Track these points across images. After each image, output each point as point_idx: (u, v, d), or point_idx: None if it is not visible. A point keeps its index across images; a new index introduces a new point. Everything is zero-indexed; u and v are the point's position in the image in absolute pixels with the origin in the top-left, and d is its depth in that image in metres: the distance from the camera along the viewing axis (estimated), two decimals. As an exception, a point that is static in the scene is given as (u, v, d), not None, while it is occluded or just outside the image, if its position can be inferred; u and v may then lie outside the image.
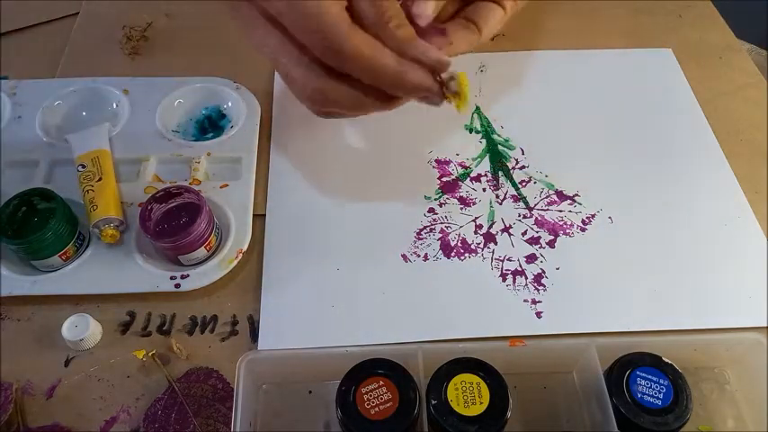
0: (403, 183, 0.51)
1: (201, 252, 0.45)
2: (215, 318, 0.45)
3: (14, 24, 0.63)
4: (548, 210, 0.50)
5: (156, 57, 0.60)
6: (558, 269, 0.46)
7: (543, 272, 0.46)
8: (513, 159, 0.53)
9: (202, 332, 0.44)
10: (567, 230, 0.49)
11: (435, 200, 0.50)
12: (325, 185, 0.51)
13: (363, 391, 0.36)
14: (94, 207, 0.46)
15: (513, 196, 0.51)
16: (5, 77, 0.58)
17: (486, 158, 0.53)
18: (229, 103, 0.56)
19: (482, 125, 0.55)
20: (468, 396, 0.36)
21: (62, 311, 0.44)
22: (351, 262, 0.47)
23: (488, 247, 0.48)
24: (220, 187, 0.50)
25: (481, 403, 0.36)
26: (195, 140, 0.54)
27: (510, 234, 0.49)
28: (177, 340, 0.43)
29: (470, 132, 0.55)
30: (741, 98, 0.58)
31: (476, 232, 0.49)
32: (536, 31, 0.63)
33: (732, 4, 0.67)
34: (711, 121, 0.55)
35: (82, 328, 0.42)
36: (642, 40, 0.62)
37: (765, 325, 0.44)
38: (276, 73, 0.59)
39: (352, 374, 0.37)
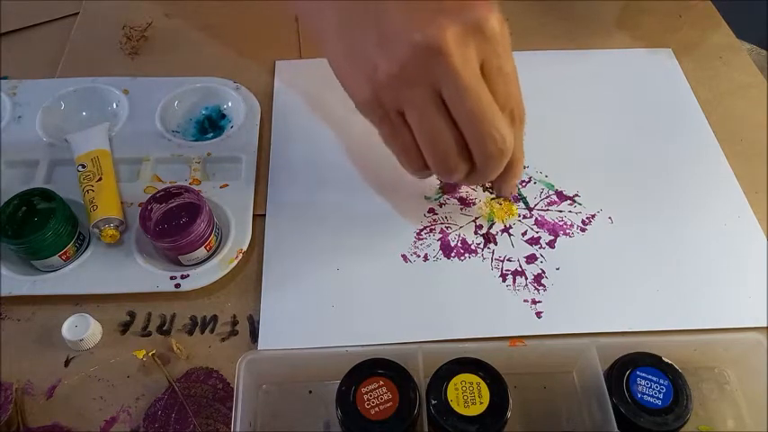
0: (403, 183, 0.51)
1: (201, 252, 0.45)
2: (215, 318, 0.45)
3: (14, 24, 0.63)
4: (548, 210, 0.50)
5: (156, 57, 0.60)
6: (557, 269, 0.46)
7: (543, 272, 0.46)
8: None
9: (202, 332, 0.44)
10: (567, 231, 0.49)
11: (435, 200, 0.50)
12: (325, 185, 0.51)
13: (363, 391, 0.36)
14: (94, 207, 0.46)
15: (513, 197, 0.51)
16: (5, 77, 0.58)
17: (487, 158, 0.53)
18: (229, 103, 0.56)
19: (482, 125, 0.55)
20: (468, 396, 0.36)
21: (62, 311, 0.44)
22: (351, 262, 0.47)
23: (488, 248, 0.48)
24: (220, 187, 0.50)
25: (481, 403, 0.36)
26: (195, 140, 0.54)
27: (510, 234, 0.49)
28: (177, 340, 0.43)
29: (470, 132, 0.55)
30: (741, 98, 0.58)
31: (476, 232, 0.49)
32: (536, 31, 0.63)
33: (732, 4, 0.67)
34: (711, 121, 0.55)
35: (82, 328, 0.42)
36: (642, 40, 0.62)
37: (765, 325, 0.44)
38: (276, 73, 0.59)
39: (352, 374, 0.37)
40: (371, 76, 0.39)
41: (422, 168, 0.42)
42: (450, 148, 0.40)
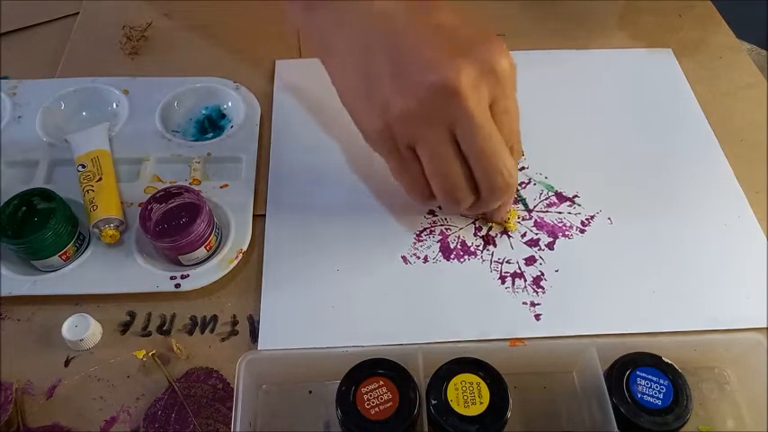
0: (403, 183, 0.51)
1: (201, 252, 0.45)
2: (215, 318, 0.45)
3: (14, 24, 0.63)
4: (547, 211, 0.50)
5: (156, 57, 0.60)
6: (557, 271, 0.46)
7: (542, 274, 0.46)
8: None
9: (202, 332, 0.44)
10: (567, 232, 0.49)
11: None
12: (325, 186, 0.51)
13: (363, 391, 0.36)
14: (94, 207, 0.46)
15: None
16: (5, 77, 0.58)
17: (487, 159, 0.53)
18: (229, 103, 0.56)
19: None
20: (468, 396, 0.36)
21: (62, 311, 0.44)
22: (351, 263, 0.47)
23: (488, 250, 0.48)
24: (220, 187, 0.50)
25: (481, 403, 0.36)
26: (195, 140, 0.54)
27: (509, 236, 0.49)
28: (177, 340, 0.43)
29: (470, 132, 0.55)
30: (741, 98, 0.58)
31: (475, 234, 0.49)
32: (536, 31, 0.63)
33: (732, 4, 0.67)
34: (711, 121, 0.55)
35: (82, 328, 0.42)
36: (642, 40, 0.62)
37: (765, 325, 0.44)
38: (276, 73, 0.59)
39: (352, 374, 0.37)
40: (384, 110, 0.40)
41: (428, 198, 0.43)
42: (459, 183, 0.41)
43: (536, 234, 0.49)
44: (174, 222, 0.45)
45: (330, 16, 0.42)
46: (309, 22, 0.44)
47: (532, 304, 0.45)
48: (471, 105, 0.38)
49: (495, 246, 0.48)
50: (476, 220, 0.49)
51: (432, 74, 0.38)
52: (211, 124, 0.56)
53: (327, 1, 0.42)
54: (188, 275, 0.45)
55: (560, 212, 0.50)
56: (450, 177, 0.41)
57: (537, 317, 0.44)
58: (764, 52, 0.66)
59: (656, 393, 0.37)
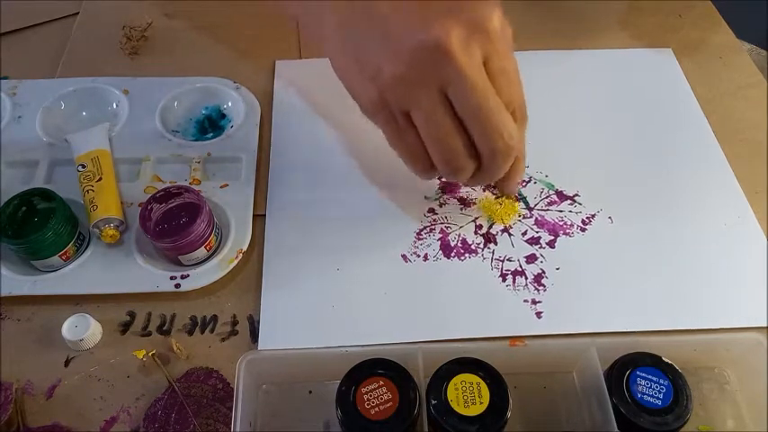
0: (403, 183, 0.51)
1: (201, 252, 0.45)
2: (215, 318, 0.45)
3: (14, 24, 0.63)
4: (548, 210, 0.50)
5: (156, 57, 0.60)
6: (557, 269, 0.46)
7: (543, 272, 0.46)
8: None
9: (202, 332, 0.44)
10: (567, 230, 0.49)
11: (435, 200, 0.50)
12: (325, 185, 0.51)
13: (363, 391, 0.36)
14: (94, 207, 0.46)
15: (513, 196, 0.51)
16: (5, 77, 0.58)
17: (487, 159, 0.53)
18: (229, 103, 0.56)
19: (482, 125, 0.55)
20: (468, 396, 0.36)
21: (62, 311, 0.44)
22: (351, 262, 0.47)
23: (488, 248, 0.48)
24: (220, 187, 0.50)
25: (481, 403, 0.36)
26: (195, 140, 0.54)
27: (510, 234, 0.49)
28: (177, 340, 0.43)
29: (470, 132, 0.55)
30: (741, 98, 0.58)
31: (476, 232, 0.49)
32: (536, 31, 0.63)
33: (732, 4, 0.67)
34: (711, 121, 0.55)
35: (82, 328, 0.42)
36: (642, 40, 0.62)
37: (765, 325, 0.44)
38: (276, 73, 0.59)
39: (352, 374, 0.37)
40: (376, 77, 0.39)
41: (428, 169, 0.42)
42: (457, 147, 0.40)
43: (537, 232, 0.49)
44: (174, 222, 0.45)
45: None
46: (305, 9, 0.44)
47: (533, 302, 0.45)
48: (462, 63, 0.37)
49: (495, 244, 0.48)
50: (476, 218, 0.49)
51: (419, 34, 0.37)
52: (211, 124, 0.56)
53: None
54: (188, 275, 0.45)
55: (561, 211, 0.50)
56: (447, 142, 0.40)
57: (538, 315, 0.44)
58: (764, 52, 0.66)
59: (656, 393, 0.37)
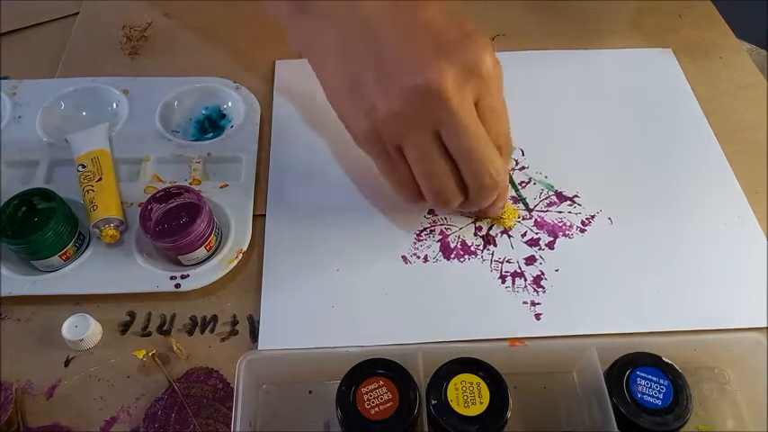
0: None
1: (201, 252, 0.45)
2: (215, 318, 0.45)
3: (14, 24, 0.63)
4: (547, 211, 0.50)
5: (156, 57, 0.60)
6: (557, 271, 0.46)
7: (542, 273, 0.46)
8: (512, 160, 0.53)
9: (202, 332, 0.44)
10: (567, 232, 0.49)
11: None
12: (325, 186, 0.51)
13: (363, 391, 0.36)
14: (94, 207, 0.46)
15: (512, 198, 0.51)
16: (5, 77, 0.58)
17: (487, 159, 0.53)
18: (229, 103, 0.56)
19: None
20: (468, 396, 0.36)
21: (62, 311, 0.44)
22: (351, 263, 0.47)
23: (488, 249, 0.48)
24: (220, 187, 0.50)
25: (481, 403, 0.36)
26: (195, 140, 0.54)
27: (509, 236, 0.49)
28: (177, 340, 0.43)
29: (470, 132, 0.55)
30: (741, 98, 0.58)
31: (475, 234, 0.49)
32: (536, 31, 0.63)
33: (732, 4, 0.67)
34: (711, 121, 0.55)
35: (82, 328, 0.42)
36: (642, 40, 0.62)
37: (765, 325, 0.44)
38: (276, 73, 0.59)
39: (352, 374, 0.37)
40: (371, 112, 0.40)
41: (417, 198, 0.44)
42: (447, 184, 0.42)
43: (536, 234, 0.49)
44: (174, 222, 0.45)
45: (315, 18, 0.42)
46: (295, 23, 0.44)
47: (533, 304, 0.45)
48: (455, 106, 0.38)
49: (495, 245, 0.48)
50: (476, 220, 0.49)
51: (415, 76, 0.38)
52: (211, 124, 0.56)
53: (312, 1, 0.42)
54: (188, 275, 0.45)
55: (560, 212, 0.50)
56: (437, 178, 0.41)
57: (537, 316, 0.44)
58: (764, 52, 0.66)
59: (656, 393, 0.37)
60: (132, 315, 0.45)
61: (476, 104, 0.40)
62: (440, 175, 0.41)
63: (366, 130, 0.41)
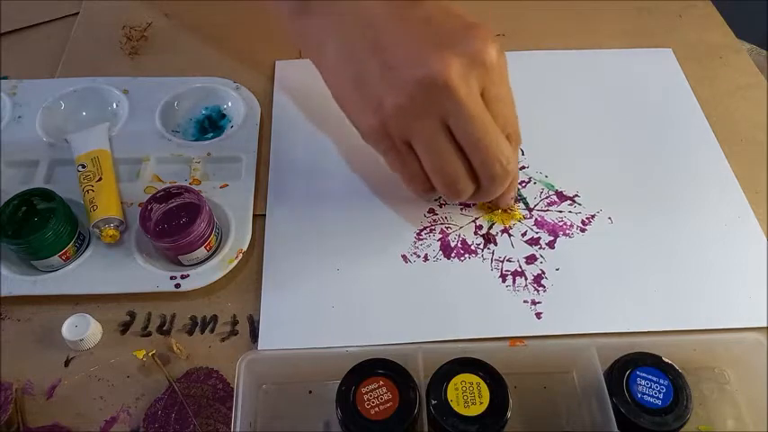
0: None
1: (201, 252, 0.45)
2: (215, 318, 0.45)
3: (14, 24, 0.63)
4: (547, 210, 0.50)
5: (156, 57, 0.60)
6: (557, 270, 0.46)
7: (543, 272, 0.46)
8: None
9: (202, 332, 0.44)
10: (567, 231, 0.49)
11: (435, 200, 0.50)
12: (325, 185, 0.51)
13: (363, 391, 0.36)
14: (94, 207, 0.46)
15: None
16: (5, 77, 0.58)
17: (487, 159, 0.53)
18: (229, 103, 0.56)
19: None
20: (468, 396, 0.36)
21: (62, 311, 0.44)
22: (351, 262, 0.47)
23: (488, 248, 0.48)
24: (220, 187, 0.50)
25: (481, 403, 0.36)
26: (195, 140, 0.54)
27: (510, 235, 0.49)
28: (177, 340, 0.43)
29: (470, 132, 0.55)
30: (741, 98, 0.58)
31: (476, 233, 0.49)
32: (536, 31, 0.63)
33: (732, 4, 0.67)
34: (711, 121, 0.55)
35: (82, 328, 0.42)
36: (642, 40, 0.62)
37: (765, 325, 0.44)
38: (276, 73, 0.59)
39: (352, 374, 0.37)
40: (377, 108, 0.40)
41: (428, 191, 0.44)
42: (458, 174, 0.41)
43: (536, 233, 0.49)
44: (174, 222, 0.45)
45: (317, 19, 0.42)
46: (297, 25, 0.44)
47: (533, 303, 0.45)
48: (462, 96, 0.38)
49: (495, 244, 0.48)
50: (476, 219, 0.49)
51: (419, 69, 0.38)
52: (211, 124, 0.56)
53: (313, 1, 0.42)
54: (188, 275, 0.45)
55: (561, 211, 0.50)
56: (448, 170, 0.41)
57: (538, 315, 0.44)
58: (764, 52, 0.66)
59: (656, 393, 0.37)
60: (132, 315, 0.45)
61: (482, 94, 0.40)
62: (450, 166, 0.41)
63: (374, 127, 0.41)
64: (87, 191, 0.47)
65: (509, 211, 0.49)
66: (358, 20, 0.40)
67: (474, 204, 0.50)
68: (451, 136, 0.40)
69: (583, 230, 0.49)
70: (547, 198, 0.51)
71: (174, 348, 0.43)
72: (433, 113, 0.39)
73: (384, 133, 0.41)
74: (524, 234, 0.49)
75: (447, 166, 0.41)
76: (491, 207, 0.49)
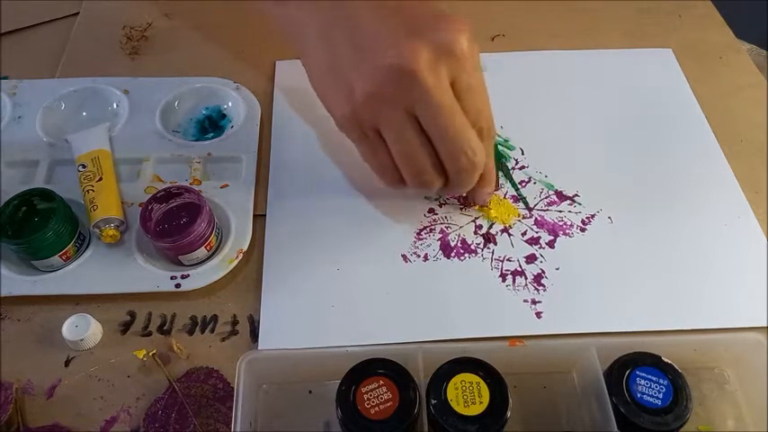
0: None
1: (202, 252, 0.45)
2: (215, 318, 0.45)
3: (14, 24, 0.63)
4: (547, 210, 0.50)
5: (156, 57, 0.60)
6: (557, 269, 0.46)
7: (543, 272, 0.46)
8: (512, 159, 0.53)
9: (202, 332, 0.44)
10: (567, 231, 0.49)
11: (435, 200, 0.50)
12: (325, 185, 0.51)
13: (363, 390, 0.36)
14: (94, 207, 0.46)
15: (512, 196, 0.51)
16: (5, 77, 0.58)
17: (487, 158, 0.53)
18: (229, 103, 0.56)
19: (482, 125, 0.55)
20: (468, 396, 0.36)
21: (62, 311, 0.44)
22: (351, 262, 0.47)
23: (488, 248, 0.48)
24: (220, 187, 0.50)
25: (481, 403, 0.36)
26: (195, 140, 0.54)
27: (510, 234, 0.49)
28: (177, 340, 0.43)
29: (470, 132, 0.55)
30: (741, 98, 0.58)
31: (476, 232, 0.49)
32: (536, 31, 0.63)
33: (732, 4, 0.67)
34: (711, 121, 0.55)
35: (82, 328, 0.42)
36: (642, 40, 0.62)
37: (765, 325, 0.44)
38: (276, 73, 0.59)
39: (352, 374, 0.37)
40: (349, 95, 0.40)
41: (397, 182, 0.44)
42: (425, 165, 0.41)
43: (536, 232, 0.49)
44: (174, 222, 0.45)
45: (297, 9, 0.42)
46: (280, 16, 0.44)
47: (533, 302, 0.45)
48: (429, 85, 0.38)
49: (495, 244, 0.48)
50: (476, 218, 0.49)
51: (388, 56, 0.38)
52: (212, 124, 0.56)
53: None
54: (188, 275, 0.45)
55: (561, 211, 0.50)
56: (415, 160, 0.41)
57: (538, 315, 0.44)
58: (764, 52, 0.66)
59: (655, 393, 0.37)
60: (132, 315, 0.45)
61: (452, 85, 0.39)
62: (417, 156, 0.41)
63: (346, 114, 0.41)
64: (88, 191, 0.47)
65: (509, 205, 0.49)
66: (336, 7, 0.40)
67: (473, 203, 0.49)
68: (420, 126, 0.40)
69: (583, 230, 0.49)
70: (547, 198, 0.51)
71: (175, 348, 0.43)
72: (401, 102, 0.39)
73: (355, 121, 0.41)
74: (524, 233, 0.49)
75: (414, 156, 0.41)
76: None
